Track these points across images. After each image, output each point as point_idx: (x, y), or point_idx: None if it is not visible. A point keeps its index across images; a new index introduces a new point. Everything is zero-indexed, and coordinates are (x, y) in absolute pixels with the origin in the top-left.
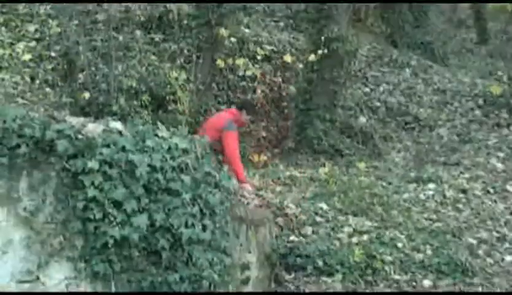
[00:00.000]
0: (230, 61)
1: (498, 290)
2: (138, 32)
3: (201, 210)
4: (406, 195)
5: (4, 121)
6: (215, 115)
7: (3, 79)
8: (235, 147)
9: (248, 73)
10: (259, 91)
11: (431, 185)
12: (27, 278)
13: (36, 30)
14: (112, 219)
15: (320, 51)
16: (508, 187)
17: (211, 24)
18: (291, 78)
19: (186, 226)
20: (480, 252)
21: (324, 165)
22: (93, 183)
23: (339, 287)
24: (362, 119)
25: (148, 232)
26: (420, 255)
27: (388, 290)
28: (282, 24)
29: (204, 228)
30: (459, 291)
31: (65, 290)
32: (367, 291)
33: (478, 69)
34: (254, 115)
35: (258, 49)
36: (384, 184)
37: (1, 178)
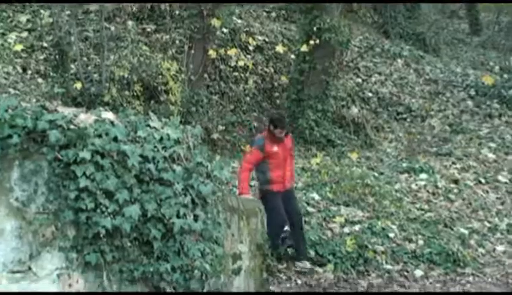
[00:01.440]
0: (222, 51)
1: (490, 280)
2: (130, 23)
3: (193, 200)
4: (397, 185)
5: None
6: None
7: None
8: (247, 159)
9: (240, 63)
10: (251, 81)
11: (423, 176)
12: (19, 268)
13: (28, 20)
14: (103, 209)
15: (312, 42)
16: (500, 177)
17: (203, 15)
18: (283, 68)
19: (178, 216)
20: (471, 242)
21: (316, 155)
22: (84, 173)
23: (330, 277)
24: (354, 109)
25: (140, 222)
26: (412, 245)
27: (380, 280)
28: (274, 14)
29: (196, 218)
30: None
31: (57, 280)
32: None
33: (470, 60)
34: (283, 126)
35: (250, 39)
36: (376, 174)
37: None
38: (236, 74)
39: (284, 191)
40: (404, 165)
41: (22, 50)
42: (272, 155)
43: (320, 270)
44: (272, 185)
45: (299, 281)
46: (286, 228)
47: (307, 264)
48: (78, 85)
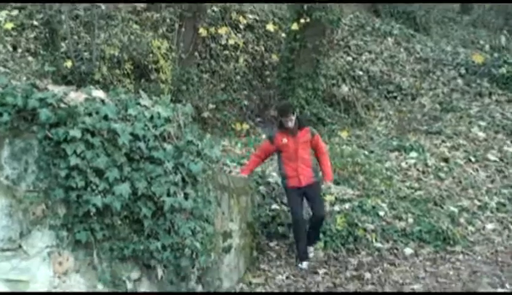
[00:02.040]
0: (213, 30)
1: (479, 258)
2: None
3: (183, 179)
4: (388, 164)
5: None
6: None
7: None
8: (257, 148)
9: (231, 42)
10: (241, 60)
11: (413, 154)
12: (9, 246)
13: None
14: (94, 187)
15: (302, 20)
16: (490, 156)
17: None
18: (273, 47)
19: (168, 194)
20: (461, 220)
21: None
22: (75, 151)
23: (321, 255)
24: (344, 88)
25: (130, 200)
26: (402, 224)
27: (369, 258)
28: None
29: (186, 196)
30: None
31: (47, 258)
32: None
33: (460, 38)
34: (287, 114)
35: (241, 18)
36: (366, 152)
37: None
38: (227, 52)
39: (305, 187)
40: (395, 143)
41: (12, 29)
42: (283, 147)
43: (310, 248)
44: (287, 180)
45: (290, 258)
46: (304, 265)
47: (304, 264)
48: (69, 64)
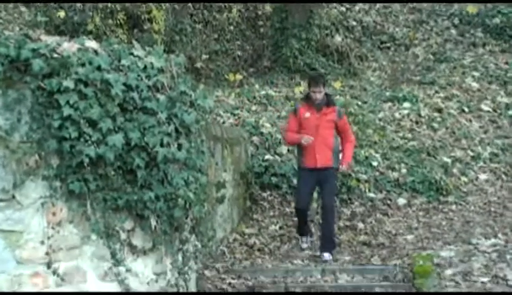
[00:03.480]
0: None
1: (472, 208)
2: None
3: (177, 129)
4: (381, 114)
5: None
6: None
7: None
8: (286, 128)
9: None
10: (234, 10)
11: (407, 104)
12: (2, 197)
13: None
14: (87, 138)
15: None
16: (483, 106)
17: None
18: None
19: (161, 145)
20: (454, 170)
21: (299, 84)
22: (68, 102)
23: (314, 206)
24: (338, 38)
25: (124, 151)
26: (395, 174)
27: (363, 208)
28: None
29: (180, 147)
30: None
31: (40, 209)
32: None
33: None
34: (317, 85)
35: None
36: (360, 103)
37: None
38: (220, 2)
39: (320, 170)
40: (388, 93)
41: None
42: (304, 121)
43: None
44: (302, 158)
45: (283, 208)
46: (304, 246)
47: (325, 256)
48: (62, 14)
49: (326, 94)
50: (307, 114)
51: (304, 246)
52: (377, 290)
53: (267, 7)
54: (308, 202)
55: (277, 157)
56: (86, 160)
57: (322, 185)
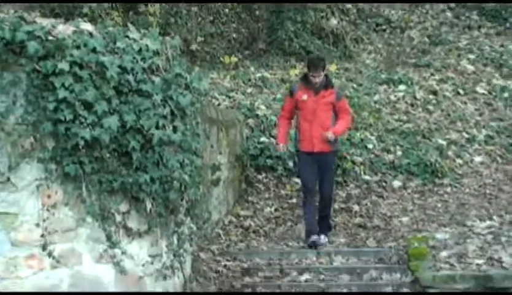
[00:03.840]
0: None
1: (467, 190)
2: None
3: (172, 111)
4: (376, 97)
5: None
6: None
7: None
8: (282, 107)
9: None
10: None
11: (402, 87)
12: None
13: None
14: (82, 120)
15: None
16: (478, 89)
17: None
18: None
19: (156, 127)
20: (450, 153)
21: (295, 67)
22: (63, 85)
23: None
24: (333, 21)
25: (119, 133)
26: (390, 156)
27: (358, 191)
28: None
29: (175, 129)
30: None
31: (36, 191)
32: None
33: None
34: (316, 70)
35: None
36: (355, 85)
37: None
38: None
39: (317, 155)
40: (383, 76)
41: None
42: (301, 104)
43: (298, 180)
44: (299, 143)
45: (278, 191)
46: (313, 239)
47: (322, 239)
48: None
49: (326, 76)
50: (305, 96)
51: (323, 241)
52: (372, 272)
53: None
54: (314, 180)
55: (272, 139)
56: (82, 143)
57: (321, 173)
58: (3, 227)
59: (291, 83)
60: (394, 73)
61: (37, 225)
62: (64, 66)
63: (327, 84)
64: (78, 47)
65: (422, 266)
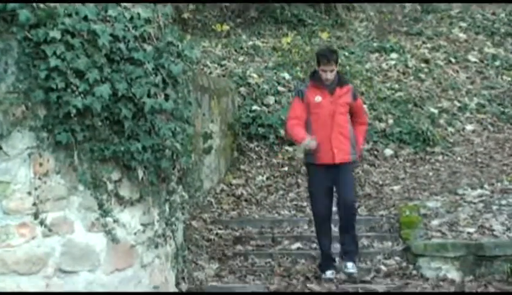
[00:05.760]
0: None
1: (459, 159)
2: None
3: (164, 80)
4: (368, 65)
5: None
6: None
7: None
8: (288, 116)
9: None
10: None
11: (394, 55)
12: None
13: None
14: (74, 88)
15: None
16: (470, 57)
17: None
18: None
19: (148, 96)
20: (441, 121)
21: (287, 35)
22: (55, 53)
23: (300, 156)
24: None
25: (111, 102)
26: (382, 125)
27: None
28: None
29: (167, 97)
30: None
31: (27, 159)
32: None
33: None
34: (328, 62)
35: None
36: (347, 53)
37: None
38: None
39: (337, 166)
40: (375, 44)
41: None
42: (314, 107)
43: (289, 148)
44: (314, 155)
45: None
46: (329, 275)
47: (350, 267)
48: None
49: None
50: (319, 98)
51: (329, 276)
52: (364, 240)
53: None
54: (330, 204)
55: (264, 107)
56: (73, 111)
57: (338, 181)
58: None
59: (296, 84)
60: (386, 41)
61: (29, 193)
62: (55, 34)
63: (341, 80)
64: (69, 15)
65: (413, 234)
